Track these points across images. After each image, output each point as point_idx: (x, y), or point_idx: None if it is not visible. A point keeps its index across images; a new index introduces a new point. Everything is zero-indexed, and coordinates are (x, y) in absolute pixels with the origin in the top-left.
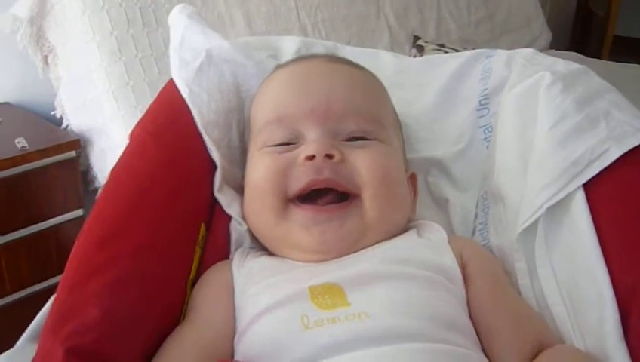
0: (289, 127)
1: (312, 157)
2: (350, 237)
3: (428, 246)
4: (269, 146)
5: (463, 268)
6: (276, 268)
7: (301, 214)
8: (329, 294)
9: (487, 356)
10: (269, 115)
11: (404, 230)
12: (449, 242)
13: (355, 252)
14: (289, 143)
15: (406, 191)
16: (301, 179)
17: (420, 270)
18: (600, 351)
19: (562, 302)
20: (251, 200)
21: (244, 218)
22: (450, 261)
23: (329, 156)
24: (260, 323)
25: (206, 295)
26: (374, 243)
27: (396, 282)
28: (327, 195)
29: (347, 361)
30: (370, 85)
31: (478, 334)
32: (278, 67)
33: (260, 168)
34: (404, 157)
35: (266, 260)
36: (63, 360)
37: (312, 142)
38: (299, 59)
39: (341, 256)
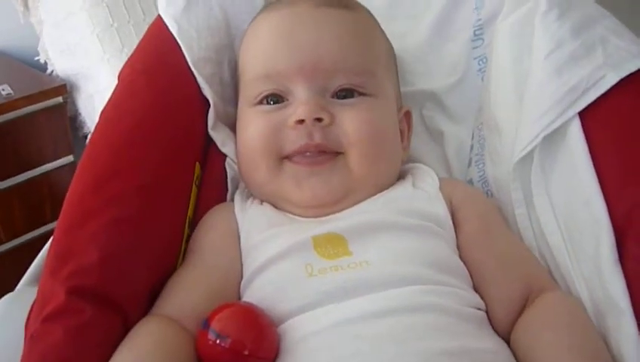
0: (277, 83)
1: (301, 121)
2: (339, 190)
3: (423, 198)
4: (259, 103)
5: (453, 213)
6: (279, 218)
7: (295, 168)
8: (331, 244)
9: (479, 295)
10: (257, 70)
11: (400, 177)
12: (440, 188)
13: (352, 206)
14: (278, 98)
15: (396, 144)
16: (295, 142)
17: (416, 220)
18: (596, 274)
19: (559, 230)
20: (243, 158)
21: None
22: (442, 210)
23: (318, 119)
24: (266, 271)
25: (213, 239)
26: (366, 197)
27: (395, 232)
28: (321, 152)
29: (352, 306)
30: (361, 31)
31: (470, 277)
32: (263, 11)
33: (252, 129)
34: (398, 98)
35: (268, 209)
36: (65, 299)
37: (300, 104)
38: (285, 2)
39: (337, 211)
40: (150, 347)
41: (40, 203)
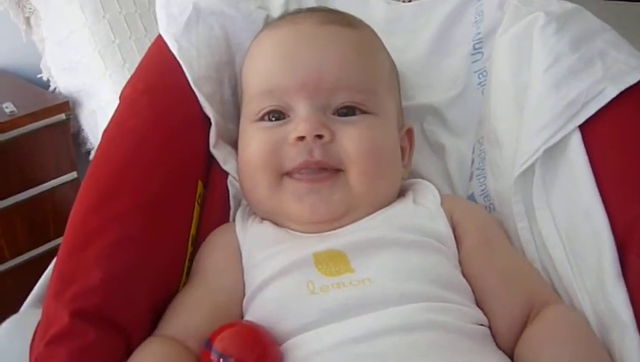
0: (279, 99)
1: (302, 138)
2: (339, 208)
3: (424, 214)
4: (260, 120)
5: (454, 229)
6: (280, 235)
7: (295, 185)
8: (333, 261)
9: (482, 310)
10: (259, 86)
11: (400, 193)
12: (442, 203)
13: (352, 223)
14: (280, 114)
15: (396, 162)
16: (295, 159)
17: (417, 236)
18: (599, 288)
19: (561, 244)
20: (244, 175)
21: None
22: (443, 226)
23: (319, 136)
24: (267, 289)
25: (215, 260)
26: (366, 214)
27: (397, 248)
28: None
29: (354, 324)
30: (363, 49)
31: (473, 292)
32: (267, 28)
33: (253, 145)
34: (399, 116)
35: (269, 227)
36: (68, 322)
37: (301, 121)
38: (288, 19)
39: (337, 228)
40: None
41: (43, 220)
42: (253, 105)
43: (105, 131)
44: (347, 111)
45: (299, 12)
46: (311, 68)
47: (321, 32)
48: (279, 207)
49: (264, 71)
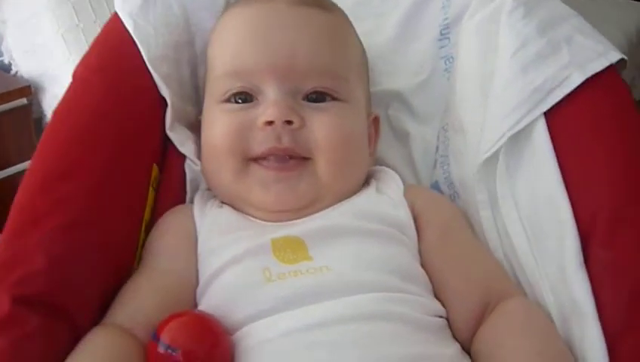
0: (247, 81)
1: (271, 123)
2: (306, 196)
3: (387, 203)
4: (226, 101)
5: (416, 219)
6: (239, 221)
7: (262, 172)
8: (291, 248)
9: (440, 302)
10: (226, 66)
11: (364, 182)
12: (405, 193)
13: (315, 212)
14: (247, 96)
15: (364, 151)
16: (262, 144)
17: (378, 225)
18: (560, 277)
19: (524, 232)
20: (209, 158)
21: (198, 157)
22: (405, 216)
23: (288, 122)
24: (223, 276)
25: (167, 242)
26: (331, 204)
27: (356, 237)
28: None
29: (309, 312)
30: (336, 34)
31: (431, 283)
32: (236, 4)
33: (218, 127)
34: (367, 104)
35: (228, 213)
36: (9, 308)
37: (271, 105)
38: None
39: (300, 217)
40: (100, 358)
41: (3, 207)
42: (219, 84)
43: (55, 110)
44: (317, 97)
45: None
46: (283, 50)
47: (294, 13)
48: (243, 193)
49: (232, 50)
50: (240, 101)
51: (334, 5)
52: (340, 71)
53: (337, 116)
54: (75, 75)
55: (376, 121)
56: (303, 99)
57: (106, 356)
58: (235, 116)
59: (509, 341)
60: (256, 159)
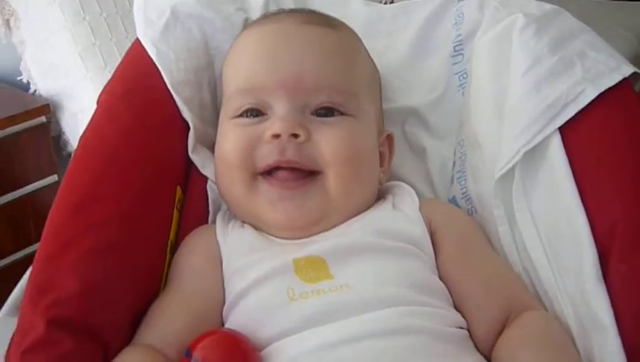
0: (258, 97)
1: (277, 136)
2: (313, 214)
3: (403, 219)
4: (239, 116)
5: (433, 234)
6: (260, 241)
7: (268, 188)
8: (312, 267)
9: (460, 314)
10: (239, 84)
11: (380, 196)
12: (420, 209)
13: (329, 228)
14: (258, 112)
15: (374, 166)
16: (266, 157)
17: (395, 242)
18: (579, 291)
19: (541, 246)
20: (220, 172)
21: None
22: (420, 232)
23: (294, 135)
24: (248, 296)
25: (192, 264)
26: (342, 220)
27: (375, 254)
28: (293, 172)
29: (332, 330)
30: (345, 51)
31: (451, 296)
32: (249, 26)
33: (229, 142)
34: (379, 121)
35: (249, 232)
36: (45, 331)
37: (278, 119)
38: (270, 18)
39: (315, 233)
40: None
41: (24, 223)
42: (232, 102)
43: (81, 138)
44: (326, 112)
45: (280, 12)
46: (291, 66)
47: (302, 32)
48: (254, 210)
49: (244, 68)
50: (251, 117)
51: (343, 24)
52: (347, 86)
53: (345, 130)
54: (100, 102)
55: (389, 139)
56: (312, 114)
57: None
58: (245, 130)
59: (526, 353)
60: (263, 175)
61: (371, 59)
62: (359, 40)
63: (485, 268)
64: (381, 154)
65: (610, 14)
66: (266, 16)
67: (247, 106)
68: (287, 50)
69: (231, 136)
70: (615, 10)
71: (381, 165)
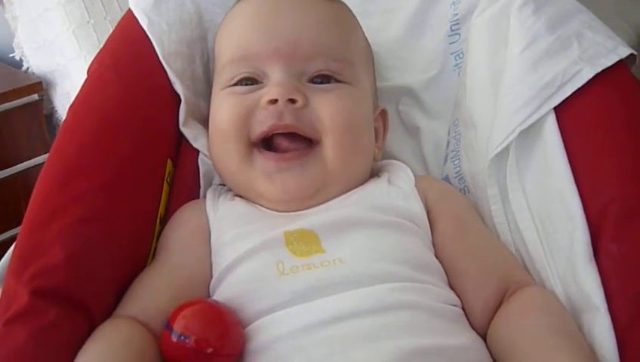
0: (253, 66)
1: (274, 101)
2: (311, 185)
3: (398, 194)
4: (233, 85)
5: (429, 211)
6: (251, 214)
7: (263, 162)
8: (304, 241)
9: (455, 292)
10: (233, 53)
11: (374, 173)
12: (415, 185)
13: (325, 201)
14: (253, 81)
15: (370, 137)
16: (263, 123)
17: (390, 217)
18: (571, 271)
19: (534, 226)
20: (215, 143)
21: None
22: (417, 208)
23: (292, 101)
24: (236, 270)
25: (181, 236)
26: (339, 192)
27: (369, 229)
28: (292, 140)
29: (323, 305)
30: (340, 20)
31: (445, 273)
32: None
33: (223, 110)
34: (374, 95)
35: (240, 205)
36: (28, 301)
37: (275, 85)
38: None
39: (309, 207)
40: (115, 347)
41: (15, 202)
42: (225, 72)
43: (70, 107)
44: (322, 79)
45: None
46: (286, 33)
47: (298, 1)
48: (249, 182)
49: (238, 37)
50: (246, 85)
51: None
52: (344, 54)
53: (342, 97)
54: (89, 72)
55: (383, 114)
56: (308, 81)
57: (120, 345)
58: (240, 99)
59: (526, 320)
60: (259, 147)
61: (365, 36)
62: (354, 15)
63: (481, 246)
64: (376, 130)
65: (609, 5)
66: None
67: (242, 75)
68: (282, 17)
69: (225, 105)
70: (613, 2)
71: (376, 141)
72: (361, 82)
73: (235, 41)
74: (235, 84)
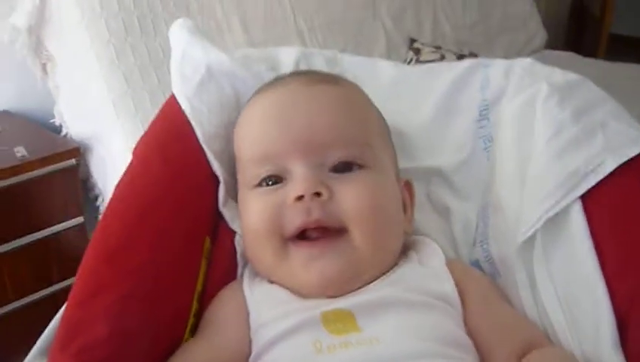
0: (274, 163)
1: (301, 198)
2: (348, 269)
3: (430, 275)
4: (258, 186)
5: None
6: (289, 296)
7: (298, 252)
8: (340, 320)
9: None
10: (253, 151)
11: (404, 251)
12: (446, 264)
13: (360, 287)
14: (277, 178)
15: (398, 216)
16: (293, 221)
17: (424, 297)
18: (597, 358)
19: (561, 311)
20: (250, 243)
21: None
22: (450, 288)
23: (317, 194)
24: (274, 349)
25: (221, 317)
26: (374, 277)
27: (403, 308)
28: (322, 231)
29: None
30: (353, 103)
31: (477, 349)
32: (257, 91)
33: (253, 212)
34: (395, 167)
35: (277, 288)
36: None
37: (298, 181)
38: (277, 83)
39: (346, 293)
40: None
41: (48, 263)
42: (249, 171)
43: (117, 186)
44: (344, 167)
45: (285, 75)
46: (301, 126)
47: (308, 92)
48: (288, 276)
49: (256, 136)
50: (270, 184)
51: (349, 81)
52: (361, 138)
53: (365, 183)
54: (135, 153)
55: (407, 185)
56: (330, 171)
57: None
58: (268, 199)
59: None
60: (292, 239)
61: (377, 109)
62: (365, 94)
63: (504, 314)
64: (403, 202)
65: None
66: (272, 82)
67: (265, 174)
68: (295, 111)
69: (254, 207)
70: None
71: (404, 213)
72: (382, 162)
73: (253, 139)
74: (260, 184)
